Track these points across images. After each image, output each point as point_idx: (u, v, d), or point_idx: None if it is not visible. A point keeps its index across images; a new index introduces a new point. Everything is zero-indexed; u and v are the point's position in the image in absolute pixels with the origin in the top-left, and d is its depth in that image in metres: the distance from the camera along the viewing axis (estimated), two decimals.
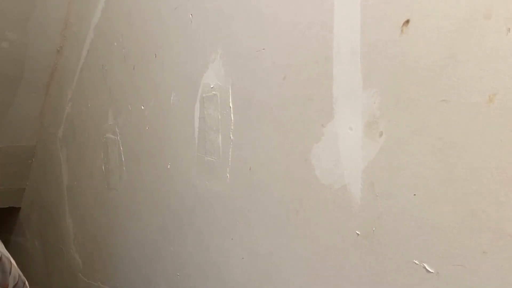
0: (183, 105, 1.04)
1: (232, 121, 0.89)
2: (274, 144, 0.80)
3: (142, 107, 1.22)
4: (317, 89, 0.71)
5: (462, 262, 0.54)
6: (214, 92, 0.93)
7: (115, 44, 1.33)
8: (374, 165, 0.63)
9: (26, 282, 0.81)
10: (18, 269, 0.78)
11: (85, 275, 1.71)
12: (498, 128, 0.50)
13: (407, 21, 0.58)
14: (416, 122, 0.58)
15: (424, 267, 0.58)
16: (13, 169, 2.06)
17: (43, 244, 2.13)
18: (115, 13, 1.34)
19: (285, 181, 0.78)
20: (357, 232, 0.66)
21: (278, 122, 0.79)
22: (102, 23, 1.43)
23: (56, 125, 1.83)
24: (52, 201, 1.93)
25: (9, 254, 0.79)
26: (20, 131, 1.96)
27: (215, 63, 0.92)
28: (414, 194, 0.59)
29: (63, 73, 1.76)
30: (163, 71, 1.11)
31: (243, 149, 0.87)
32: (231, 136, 0.90)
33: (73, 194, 1.76)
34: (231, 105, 0.89)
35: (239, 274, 0.91)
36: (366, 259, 0.65)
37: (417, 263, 0.59)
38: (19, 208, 2.24)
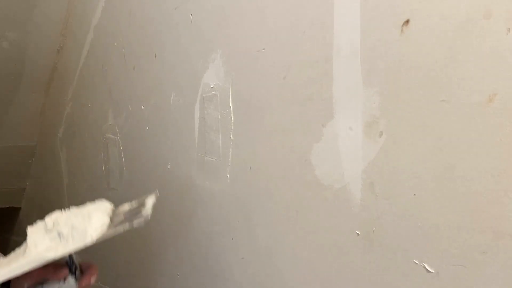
0: (183, 105, 1.04)
1: (232, 121, 0.89)
2: (274, 144, 0.80)
3: (142, 107, 1.22)
4: (317, 89, 0.70)
5: (462, 262, 0.54)
6: (214, 92, 0.93)
7: (115, 44, 1.33)
8: (374, 165, 0.63)
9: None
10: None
11: None
12: (498, 128, 0.50)
13: (407, 21, 0.58)
14: (416, 122, 0.58)
15: (424, 267, 0.58)
16: (13, 169, 2.06)
17: None
18: (115, 13, 1.34)
19: (285, 181, 0.78)
20: (357, 232, 0.66)
21: (278, 122, 0.78)
22: (102, 23, 1.43)
23: (56, 125, 1.83)
24: (52, 201, 1.93)
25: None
26: (20, 131, 1.96)
27: (215, 63, 0.92)
28: (414, 194, 0.59)
29: (63, 73, 1.76)
30: (163, 71, 1.11)
31: (243, 149, 0.87)
32: (231, 136, 0.90)
33: (73, 194, 1.76)
34: (231, 105, 0.89)
35: (239, 274, 0.91)
36: (366, 259, 0.65)
37: (417, 263, 0.59)
38: (19, 208, 2.24)
